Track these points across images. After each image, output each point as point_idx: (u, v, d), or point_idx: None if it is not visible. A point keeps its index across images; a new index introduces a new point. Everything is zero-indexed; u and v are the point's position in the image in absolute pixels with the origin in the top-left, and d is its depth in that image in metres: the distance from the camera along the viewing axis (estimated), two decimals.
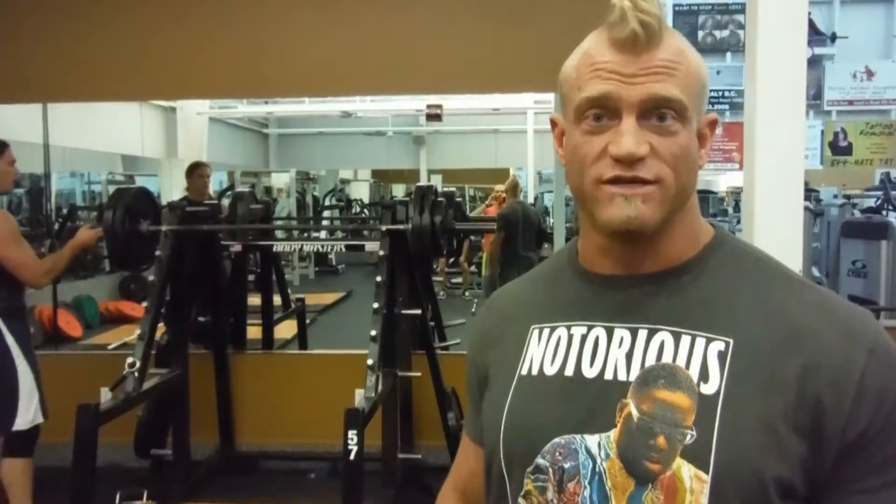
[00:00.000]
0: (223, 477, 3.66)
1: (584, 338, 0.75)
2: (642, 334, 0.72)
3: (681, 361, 0.69)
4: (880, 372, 0.66)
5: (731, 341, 0.69)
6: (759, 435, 0.65)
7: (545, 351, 0.77)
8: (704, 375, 0.68)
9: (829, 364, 0.66)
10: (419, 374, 3.39)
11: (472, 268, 10.24)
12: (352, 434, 2.41)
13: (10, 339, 2.79)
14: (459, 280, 10.32)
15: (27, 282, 2.88)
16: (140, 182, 10.30)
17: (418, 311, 3.35)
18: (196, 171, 4.84)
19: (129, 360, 2.96)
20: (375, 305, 2.95)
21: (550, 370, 0.76)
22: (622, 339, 0.73)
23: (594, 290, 0.77)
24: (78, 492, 2.66)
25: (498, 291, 0.92)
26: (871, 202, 8.52)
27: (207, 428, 3.70)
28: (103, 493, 2.99)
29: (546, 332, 0.78)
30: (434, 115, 8.50)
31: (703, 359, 0.69)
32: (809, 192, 7.69)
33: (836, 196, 8.51)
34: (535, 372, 0.77)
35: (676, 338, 0.71)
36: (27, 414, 2.82)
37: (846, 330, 0.68)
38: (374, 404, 2.69)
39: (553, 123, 0.78)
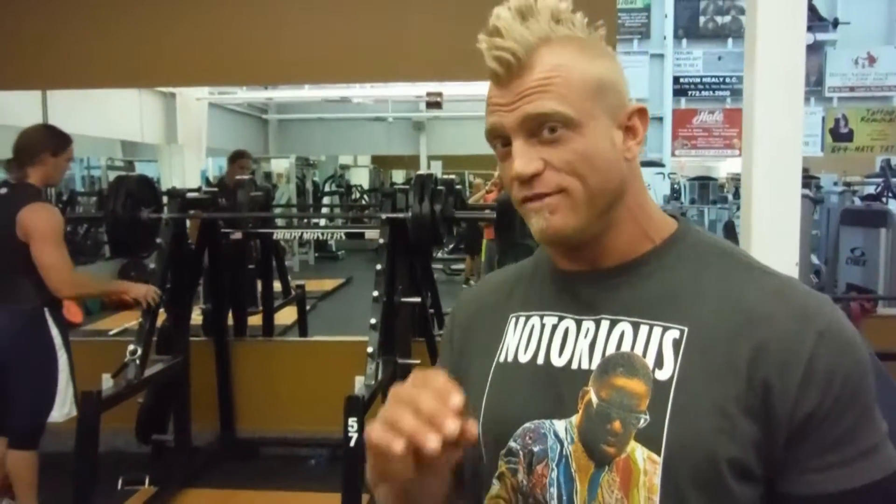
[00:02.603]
0: (224, 463, 3.69)
1: (554, 327, 0.79)
2: (604, 325, 0.75)
3: (638, 350, 0.72)
4: (829, 354, 0.67)
5: (686, 329, 0.71)
6: (710, 418, 0.67)
7: (520, 339, 0.81)
8: (660, 362, 0.71)
9: (778, 347, 0.68)
10: (419, 361, 3.41)
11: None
12: (352, 421, 2.43)
13: (54, 331, 2.80)
14: (461, 266, 10.31)
15: (52, 285, 2.72)
16: (139, 168, 10.27)
17: (418, 300, 3.36)
18: (238, 161, 4.90)
19: (131, 347, 2.98)
20: (375, 293, 2.96)
21: (524, 358, 0.79)
22: (588, 330, 0.76)
23: (563, 285, 0.81)
24: (80, 477, 2.69)
25: (492, 274, 0.96)
26: (871, 189, 8.50)
27: (208, 414, 3.72)
28: (105, 479, 3.03)
29: (522, 320, 0.82)
30: (434, 103, 8.46)
31: (658, 346, 0.72)
32: (810, 179, 7.68)
33: (836, 183, 8.50)
34: (510, 359, 0.80)
35: (635, 328, 0.74)
36: (63, 407, 2.83)
37: (799, 314, 0.69)
38: (373, 392, 2.71)
39: None
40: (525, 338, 0.80)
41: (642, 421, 0.69)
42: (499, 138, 0.74)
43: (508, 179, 0.74)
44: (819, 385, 0.67)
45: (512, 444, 0.76)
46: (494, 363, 0.81)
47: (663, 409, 0.69)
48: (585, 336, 0.76)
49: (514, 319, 0.83)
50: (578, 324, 0.77)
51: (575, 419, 0.73)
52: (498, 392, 0.80)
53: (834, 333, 0.69)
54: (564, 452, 0.73)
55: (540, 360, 0.78)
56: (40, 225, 2.71)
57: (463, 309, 0.92)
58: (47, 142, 2.84)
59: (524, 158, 0.71)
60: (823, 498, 0.68)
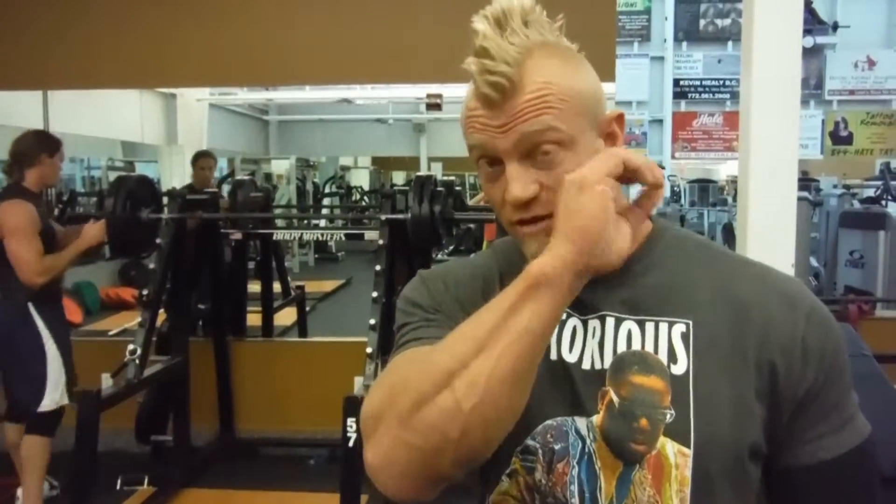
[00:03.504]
0: (223, 463, 3.69)
1: (563, 324, 0.77)
2: (610, 322, 0.76)
3: (649, 347, 0.74)
4: (817, 333, 0.73)
5: (691, 322, 0.74)
6: (731, 407, 0.71)
7: None
8: (673, 357, 0.73)
9: (776, 332, 0.73)
10: None
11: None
12: (351, 421, 2.44)
13: (40, 323, 2.92)
14: None
15: (23, 278, 2.84)
16: (140, 168, 10.29)
17: None
18: (198, 162, 4.81)
19: (131, 346, 2.99)
20: (375, 294, 2.97)
21: None
22: (594, 329, 0.76)
23: None
24: (80, 476, 2.70)
25: (450, 266, 0.87)
26: (870, 192, 8.50)
27: (207, 414, 3.73)
28: (105, 479, 3.03)
29: None
30: (434, 105, 8.47)
31: (668, 342, 0.73)
32: (809, 182, 7.68)
33: (835, 186, 8.50)
34: None
35: (641, 325, 0.75)
36: (54, 394, 2.92)
37: (787, 300, 0.75)
38: None
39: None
40: None
41: (668, 416, 0.70)
42: (486, 158, 0.73)
43: (498, 200, 0.73)
44: (814, 362, 0.72)
45: (530, 441, 0.74)
46: None
47: (686, 403, 0.71)
48: (593, 335, 0.76)
49: None
50: (585, 323, 0.77)
51: (596, 419, 0.73)
52: None
53: (817, 314, 0.74)
54: (587, 450, 0.73)
55: (553, 356, 0.76)
56: (8, 221, 2.86)
57: (442, 280, 0.83)
58: (43, 144, 3.04)
59: (520, 182, 0.70)
60: (817, 466, 0.72)
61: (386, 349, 3.04)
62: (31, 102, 6.00)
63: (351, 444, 2.43)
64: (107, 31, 3.42)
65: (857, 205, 7.57)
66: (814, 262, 6.72)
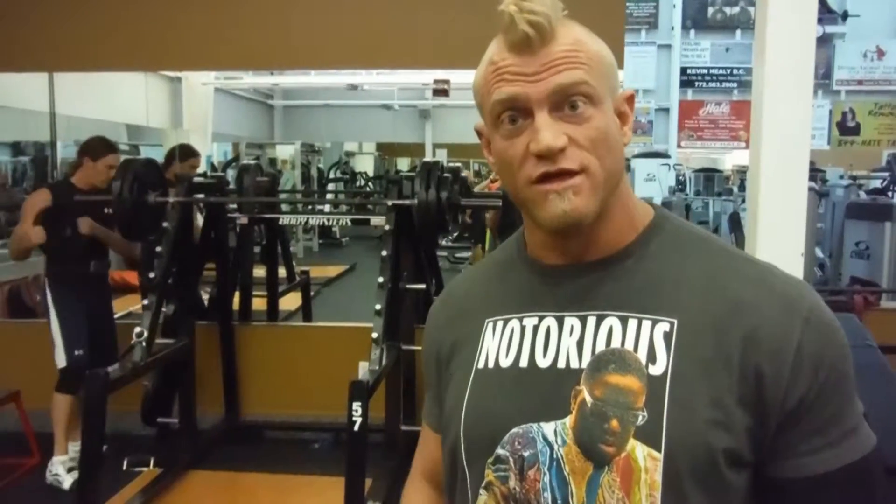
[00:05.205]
0: (228, 446, 3.72)
1: (535, 328, 0.77)
2: (591, 321, 0.74)
3: (629, 345, 0.71)
4: (815, 340, 0.69)
5: (676, 321, 0.71)
6: (706, 410, 0.67)
7: (500, 343, 0.78)
8: (652, 357, 0.70)
9: (767, 335, 0.68)
10: (422, 347, 3.43)
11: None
12: (356, 406, 2.45)
13: (49, 299, 3.34)
14: (465, 255, 10.31)
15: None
16: (144, 152, 10.28)
17: (423, 286, 3.38)
18: (189, 161, 4.39)
19: (137, 329, 3.00)
20: (381, 280, 2.97)
21: (505, 362, 0.77)
22: (572, 327, 0.74)
23: (544, 281, 0.79)
24: (87, 457, 2.72)
25: (453, 283, 0.93)
26: (877, 183, 8.47)
27: (213, 398, 3.75)
28: (111, 460, 3.06)
29: (500, 324, 0.80)
30: (441, 91, 8.44)
31: (649, 341, 0.71)
32: (815, 173, 7.65)
33: (842, 177, 8.48)
34: (490, 365, 0.78)
35: (624, 322, 0.72)
36: (60, 359, 3.30)
37: (784, 302, 0.70)
38: (378, 377, 2.73)
39: (479, 133, 0.80)
40: (505, 342, 0.78)
41: (640, 418, 0.68)
42: (512, 110, 0.71)
43: (519, 156, 0.71)
44: (808, 371, 0.68)
45: (500, 451, 0.74)
46: (473, 370, 0.79)
47: (660, 405, 0.68)
48: (571, 334, 0.74)
49: (490, 324, 0.80)
50: (560, 321, 0.75)
51: (569, 420, 0.71)
52: (479, 399, 0.77)
53: (818, 319, 0.70)
54: (555, 455, 0.71)
55: (523, 363, 0.76)
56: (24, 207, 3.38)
57: (437, 315, 0.91)
58: (88, 149, 3.43)
59: (551, 131, 0.68)
60: (812, 480, 0.69)
61: (391, 334, 3.05)
62: (37, 85, 5.99)
63: (356, 428, 2.44)
64: (113, 14, 3.41)
65: (863, 196, 7.56)
66: (819, 252, 6.71)
